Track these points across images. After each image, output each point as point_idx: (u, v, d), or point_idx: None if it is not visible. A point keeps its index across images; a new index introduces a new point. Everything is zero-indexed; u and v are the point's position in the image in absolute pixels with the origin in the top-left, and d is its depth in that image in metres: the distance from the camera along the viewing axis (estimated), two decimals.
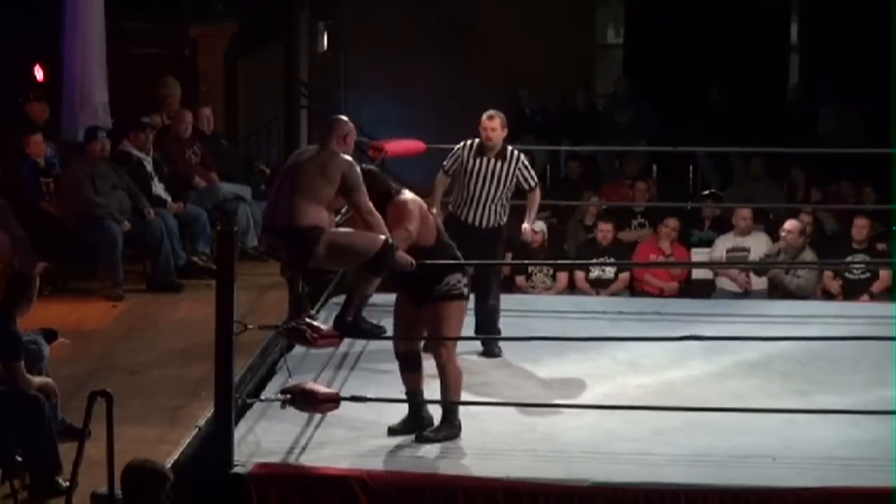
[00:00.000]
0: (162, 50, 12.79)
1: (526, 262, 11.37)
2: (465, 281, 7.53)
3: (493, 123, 8.94)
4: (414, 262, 7.53)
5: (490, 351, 9.00)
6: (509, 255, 11.57)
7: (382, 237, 7.19)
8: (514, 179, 8.98)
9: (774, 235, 11.76)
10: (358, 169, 7.27)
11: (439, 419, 7.50)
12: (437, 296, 7.36)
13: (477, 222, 8.94)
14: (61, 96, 11.06)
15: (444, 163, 9.13)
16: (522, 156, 9.05)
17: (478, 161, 8.94)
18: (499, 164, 8.93)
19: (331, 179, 7.15)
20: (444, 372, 7.43)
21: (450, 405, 7.47)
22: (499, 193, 8.95)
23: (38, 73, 11.86)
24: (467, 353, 8.83)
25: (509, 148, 8.99)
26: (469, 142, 9.01)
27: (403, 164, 9.60)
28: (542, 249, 11.61)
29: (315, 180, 7.15)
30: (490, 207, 8.96)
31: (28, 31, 11.60)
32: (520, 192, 9.22)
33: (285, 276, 8.15)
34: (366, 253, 7.20)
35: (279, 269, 8.36)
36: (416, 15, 16.31)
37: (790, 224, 10.98)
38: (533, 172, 9.14)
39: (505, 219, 9.09)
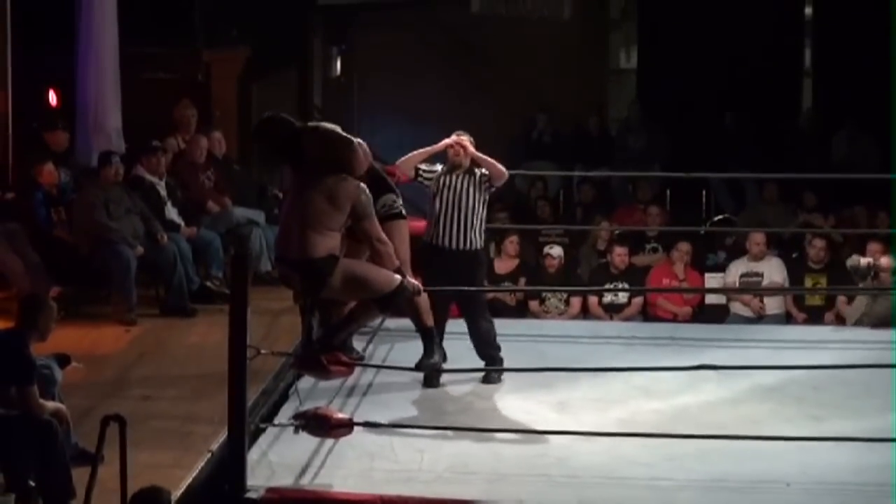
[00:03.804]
0: (176, 75, 12.82)
1: (540, 287, 11.37)
2: (399, 201, 7.72)
3: (464, 141, 8.98)
4: (421, 288, 7.55)
5: (488, 378, 8.86)
6: (523, 280, 11.59)
7: (399, 278, 7.20)
8: (483, 195, 8.94)
9: (787, 260, 11.73)
10: (367, 194, 7.23)
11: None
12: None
13: (451, 244, 8.87)
14: (75, 121, 11.09)
15: (421, 164, 9.10)
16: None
17: (447, 179, 8.95)
18: (466, 178, 8.94)
19: (341, 208, 7.10)
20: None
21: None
22: (469, 211, 8.90)
23: (53, 99, 11.90)
24: (475, 378, 8.83)
25: (475, 168, 9.01)
26: (442, 166, 9.07)
27: (414, 187, 9.60)
28: (557, 274, 11.59)
29: (324, 209, 7.08)
30: (462, 228, 8.89)
31: (42, 56, 11.64)
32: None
33: (298, 304, 8.12)
34: (380, 290, 7.20)
35: (292, 295, 8.34)
36: (429, 40, 16.32)
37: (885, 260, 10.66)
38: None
39: (481, 243, 9.05)
